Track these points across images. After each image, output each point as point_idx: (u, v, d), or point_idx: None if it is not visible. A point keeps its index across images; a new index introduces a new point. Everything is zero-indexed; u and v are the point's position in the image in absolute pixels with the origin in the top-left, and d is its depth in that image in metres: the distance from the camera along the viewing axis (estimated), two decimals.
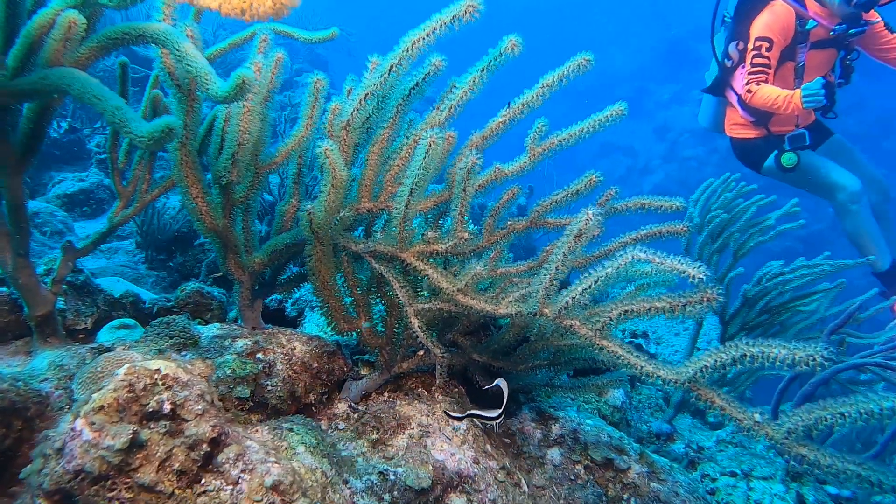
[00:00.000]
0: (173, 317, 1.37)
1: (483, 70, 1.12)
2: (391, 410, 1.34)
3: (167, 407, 0.92)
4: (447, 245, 1.21)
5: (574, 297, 1.00)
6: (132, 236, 2.82)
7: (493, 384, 1.35)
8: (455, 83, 1.17)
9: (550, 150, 1.22)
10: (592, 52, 1.12)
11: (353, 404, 1.40)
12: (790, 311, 2.30)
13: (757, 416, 0.87)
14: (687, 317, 0.98)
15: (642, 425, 2.37)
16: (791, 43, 3.03)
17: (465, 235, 1.20)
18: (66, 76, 0.91)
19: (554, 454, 1.60)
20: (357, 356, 1.54)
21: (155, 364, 0.97)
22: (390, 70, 1.09)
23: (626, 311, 0.97)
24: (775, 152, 3.22)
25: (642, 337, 3.20)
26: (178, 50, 0.83)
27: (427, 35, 1.07)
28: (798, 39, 3.03)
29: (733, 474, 2.09)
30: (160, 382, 0.94)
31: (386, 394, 1.43)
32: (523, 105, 1.16)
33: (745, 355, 0.83)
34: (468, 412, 1.32)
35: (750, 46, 3.06)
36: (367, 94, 1.16)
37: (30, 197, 3.04)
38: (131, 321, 1.60)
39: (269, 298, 1.92)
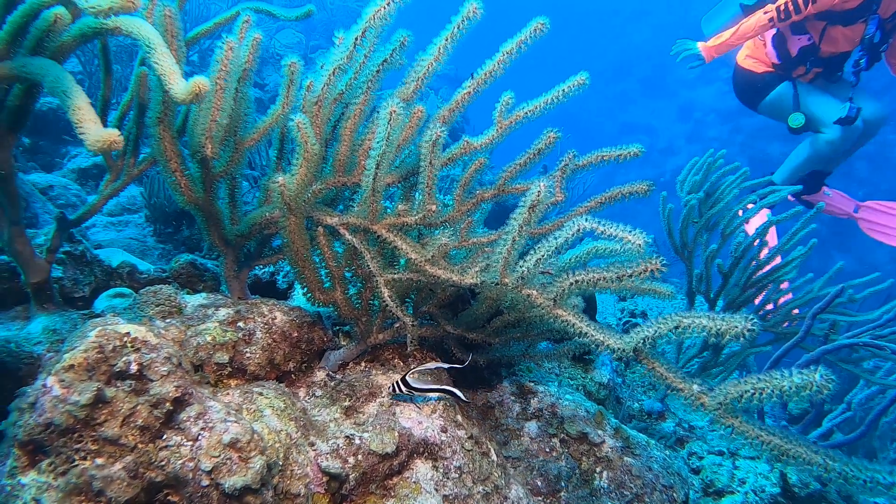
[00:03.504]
0: (160, 286, 1.43)
1: (447, 39, 1.13)
2: (365, 379, 1.39)
3: (134, 367, 0.97)
4: (416, 217, 1.24)
5: (529, 268, 1.03)
6: (143, 210, 2.90)
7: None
8: (421, 57, 1.18)
9: (518, 123, 1.22)
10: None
11: (330, 373, 1.44)
12: (776, 283, 2.29)
13: (695, 388, 0.89)
14: (634, 289, 1.00)
15: (634, 403, 2.38)
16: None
17: (433, 208, 1.22)
18: (42, 68, 0.95)
19: (531, 427, 1.63)
20: (337, 327, 1.59)
21: (125, 328, 1.02)
22: (355, 44, 1.11)
23: (577, 281, 0.99)
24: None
25: (640, 317, 3.20)
26: (148, 46, 0.86)
27: (388, 4, 1.09)
28: None
29: (720, 453, 2.11)
30: (129, 345, 1.00)
31: (363, 364, 1.48)
32: (486, 75, 1.16)
33: (679, 326, 0.85)
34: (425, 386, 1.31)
35: None
36: (334, 70, 1.18)
37: (46, 171, 3.15)
38: (127, 290, 1.67)
39: (262, 270, 1.97)
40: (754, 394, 0.78)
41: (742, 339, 0.78)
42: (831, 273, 2.37)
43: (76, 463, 0.89)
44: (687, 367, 2.74)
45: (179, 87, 0.77)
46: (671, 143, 15.13)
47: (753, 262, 2.33)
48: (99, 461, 0.90)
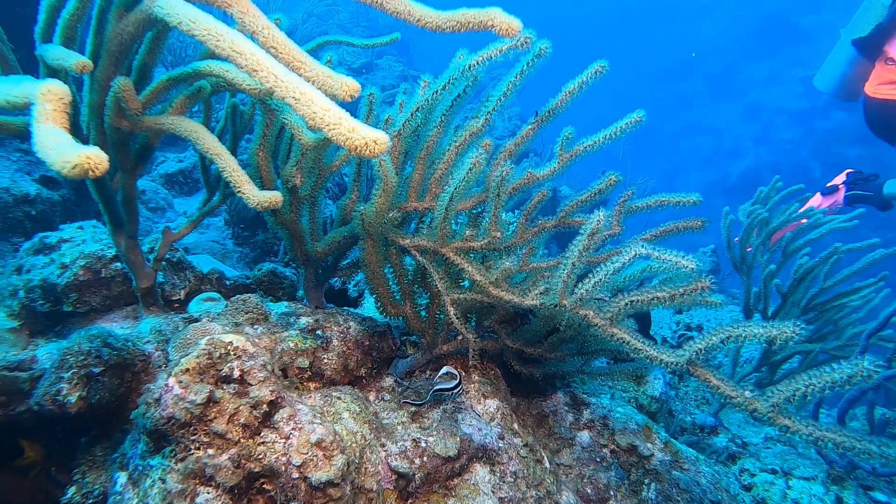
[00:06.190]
0: (249, 294, 1.60)
1: (517, 76, 1.22)
2: (429, 387, 1.51)
3: (237, 373, 1.13)
4: (482, 243, 1.35)
5: (587, 290, 1.12)
6: (222, 213, 3.15)
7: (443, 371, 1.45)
8: (490, 94, 1.28)
9: (577, 156, 1.31)
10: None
11: (398, 379, 1.58)
12: (837, 308, 2.26)
13: (747, 394, 0.96)
14: (686, 304, 1.07)
15: (686, 417, 2.41)
16: None
17: (498, 235, 1.33)
18: (194, 131, 1.11)
19: (583, 437, 1.71)
20: (405, 337, 1.72)
21: (228, 337, 1.18)
22: (443, 88, 1.23)
23: (632, 301, 1.08)
24: None
25: (696, 330, 3.20)
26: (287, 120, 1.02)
27: (481, 61, 1.19)
28: None
29: (773, 472, 2.12)
30: (232, 353, 1.16)
31: (428, 372, 1.60)
32: (549, 113, 1.26)
33: (730, 336, 0.93)
34: (433, 388, 1.40)
35: None
36: (417, 108, 1.30)
37: None
38: (216, 295, 1.86)
39: (335, 280, 2.13)
40: (806, 391, 0.84)
41: (791, 342, 0.84)
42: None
43: (192, 452, 1.05)
44: (742, 383, 2.73)
45: (307, 137, 0.90)
46: (737, 145, 14.53)
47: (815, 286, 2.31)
48: (210, 451, 1.06)
